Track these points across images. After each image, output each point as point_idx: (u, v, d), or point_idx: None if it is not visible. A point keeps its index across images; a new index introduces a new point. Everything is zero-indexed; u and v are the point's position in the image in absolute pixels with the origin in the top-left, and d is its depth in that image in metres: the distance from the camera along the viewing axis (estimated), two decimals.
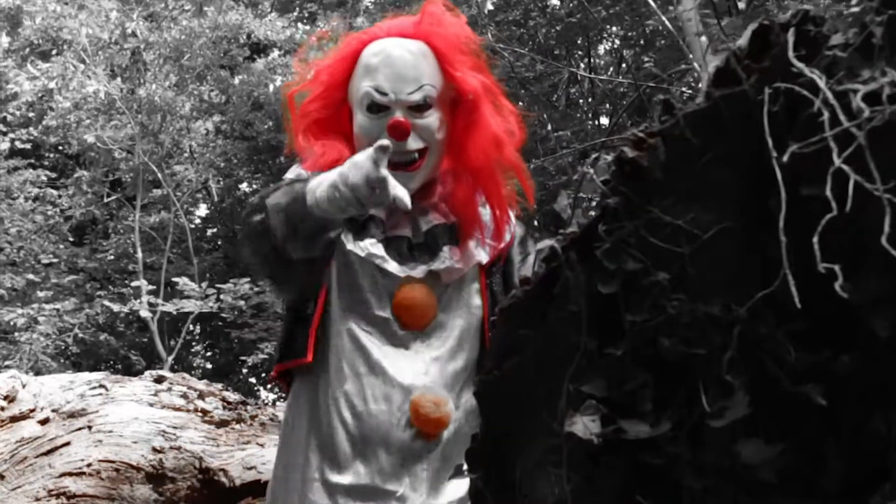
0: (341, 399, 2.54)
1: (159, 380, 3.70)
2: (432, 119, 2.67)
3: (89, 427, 3.41)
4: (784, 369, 1.77)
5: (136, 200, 16.11)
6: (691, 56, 8.43)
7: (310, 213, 2.27)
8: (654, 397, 1.77)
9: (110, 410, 3.41)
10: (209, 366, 19.28)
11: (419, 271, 2.63)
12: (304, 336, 2.59)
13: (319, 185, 2.25)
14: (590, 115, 14.57)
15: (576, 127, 12.49)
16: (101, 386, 3.60)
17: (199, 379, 14.62)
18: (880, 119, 1.47)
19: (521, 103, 3.07)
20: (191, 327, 16.44)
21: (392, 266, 2.60)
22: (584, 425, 1.76)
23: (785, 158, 1.56)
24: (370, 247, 2.59)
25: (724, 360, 1.76)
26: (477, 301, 2.65)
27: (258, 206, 2.38)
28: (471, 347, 2.67)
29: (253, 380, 19.32)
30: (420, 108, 2.65)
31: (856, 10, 1.56)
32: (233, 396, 3.69)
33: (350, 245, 2.59)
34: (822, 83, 1.64)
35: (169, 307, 14.68)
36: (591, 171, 1.79)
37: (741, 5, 8.18)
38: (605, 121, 14.48)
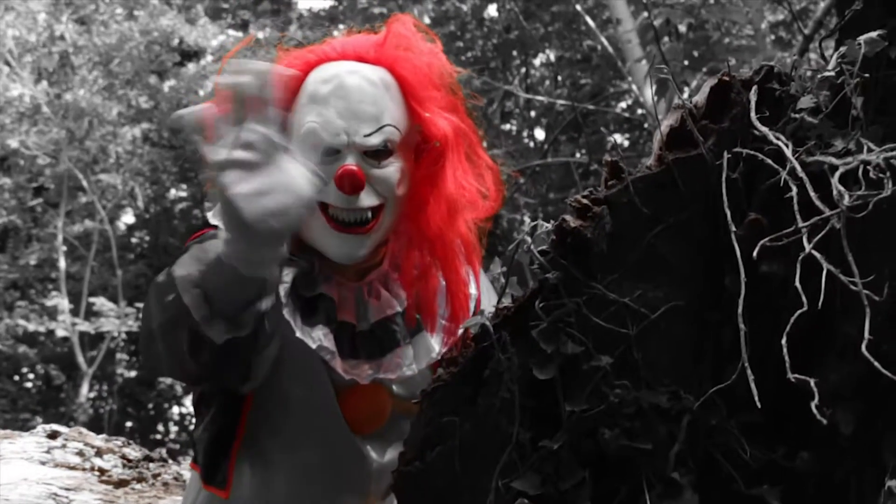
0: None
1: (53, 435, 3.46)
2: (392, 169, 2.09)
3: None
4: (737, 466, 1.60)
5: (59, 207, 15.81)
6: (631, 79, 8.32)
7: (230, 277, 1.73)
8: (593, 496, 1.58)
9: None
10: (132, 374, 18.98)
11: (364, 375, 2.13)
12: (224, 459, 2.15)
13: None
14: (524, 132, 14.48)
15: (511, 146, 12.38)
16: None
17: (124, 387, 14.27)
18: (862, 209, 1.28)
19: None
20: (115, 334, 16.17)
21: (338, 365, 2.10)
22: None
23: (756, 257, 1.37)
24: (322, 338, 2.09)
25: (671, 454, 1.59)
26: None
27: (166, 283, 1.81)
28: None
29: (178, 388, 19.06)
30: (378, 154, 2.07)
31: (830, 74, 1.38)
32: (134, 453, 3.45)
33: (299, 331, 2.08)
34: (788, 152, 1.47)
35: (87, 326, 14.32)
36: (529, 240, 1.60)
37: (682, 28, 8.07)
38: (540, 134, 14.42)
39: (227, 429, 2.14)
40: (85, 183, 15.57)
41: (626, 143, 13.57)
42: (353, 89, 2.08)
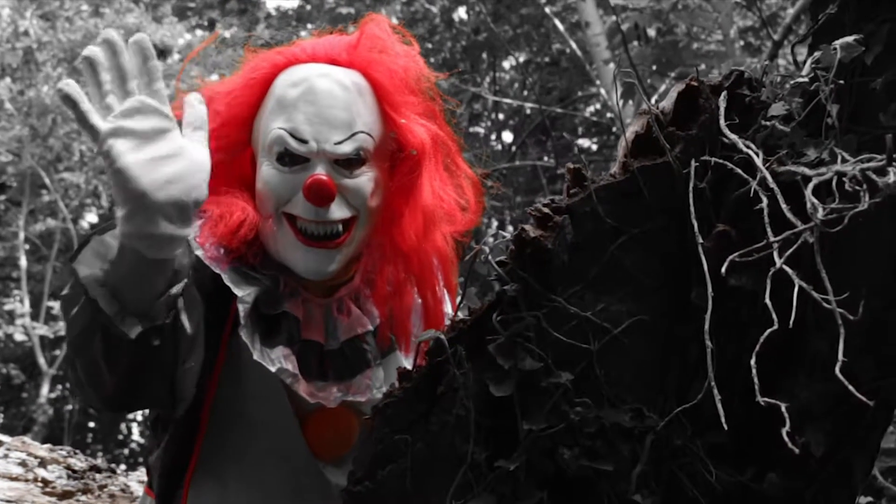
0: None
1: None
2: (365, 179, 1.97)
3: None
4: (703, 488, 1.54)
5: (21, 205, 15.66)
6: (599, 82, 8.28)
7: (134, 267, 1.60)
8: None
9: None
10: None
11: (332, 397, 1.99)
12: (179, 487, 2.04)
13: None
14: (492, 135, 14.45)
15: (479, 148, 12.31)
16: None
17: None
18: (837, 223, 1.21)
19: None
20: None
21: (302, 388, 1.96)
22: None
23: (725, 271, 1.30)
24: (283, 359, 1.95)
25: (634, 475, 1.52)
26: None
27: (72, 294, 1.69)
28: None
29: None
30: (350, 163, 1.95)
31: (803, 80, 1.31)
32: (80, 463, 3.32)
33: (257, 354, 1.93)
34: (759, 161, 1.40)
35: (45, 330, 14.18)
36: (487, 250, 1.52)
37: (651, 32, 8.03)
38: (507, 137, 14.39)
39: (181, 456, 2.02)
40: (48, 181, 15.42)
41: (595, 147, 13.55)
42: (324, 93, 1.96)
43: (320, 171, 1.92)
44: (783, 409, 1.22)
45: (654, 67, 7.25)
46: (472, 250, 1.56)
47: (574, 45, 9.87)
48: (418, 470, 1.56)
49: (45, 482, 3.07)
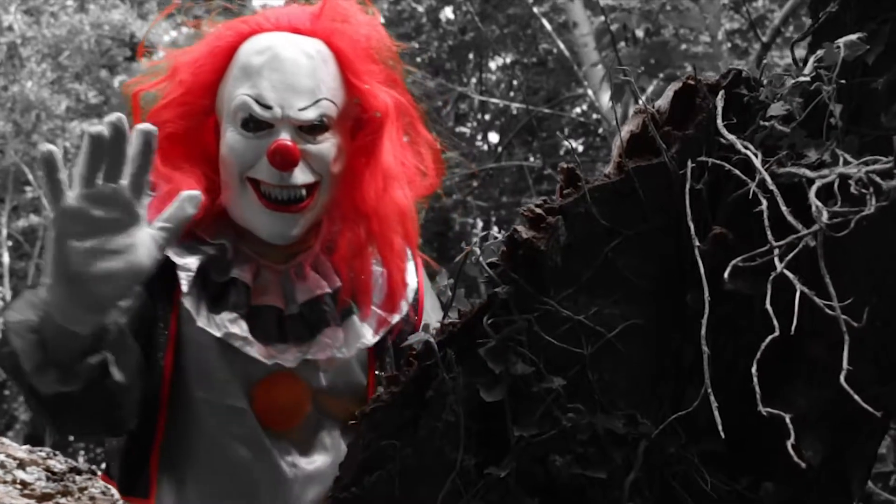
0: None
1: None
2: (328, 145, 2.00)
3: None
4: (697, 497, 1.50)
5: (4, 202, 15.63)
6: (586, 83, 8.25)
7: (59, 326, 1.64)
8: None
9: None
10: None
11: (291, 357, 2.00)
12: (144, 467, 2.02)
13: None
14: (478, 135, 14.43)
15: (465, 148, 12.29)
16: None
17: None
18: (841, 227, 1.18)
19: None
20: None
21: (256, 350, 1.97)
22: None
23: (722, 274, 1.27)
24: (229, 324, 1.97)
25: (627, 483, 1.48)
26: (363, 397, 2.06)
27: (3, 329, 1.73)
28: None
29: None
30: (314, 129, 1.98)
31: (805, 79, 1.27)
32: (59, 465, 3.26)
33: (202, 321, 1.96)
34: (757, 162, 1.36)
35: None
36: (478, 250, 1.49)
37: (639, 33, 7.99)
38: (494, 137, 14.38)
39: (143, 435, 2.01)
40: (31, 177, 15.38)
41: (581, 148, 13.54)
42: (288, 61, 2.01)
43: (284, 137, 1.96)
44: (787, 420, 1.18)
45: (643, 69, 7.22)
46: (462, 251, 1.52)
47: (562, 46, 9.84)
48: (406, 476, 1.52)
49: (24, 484, 3.00)
